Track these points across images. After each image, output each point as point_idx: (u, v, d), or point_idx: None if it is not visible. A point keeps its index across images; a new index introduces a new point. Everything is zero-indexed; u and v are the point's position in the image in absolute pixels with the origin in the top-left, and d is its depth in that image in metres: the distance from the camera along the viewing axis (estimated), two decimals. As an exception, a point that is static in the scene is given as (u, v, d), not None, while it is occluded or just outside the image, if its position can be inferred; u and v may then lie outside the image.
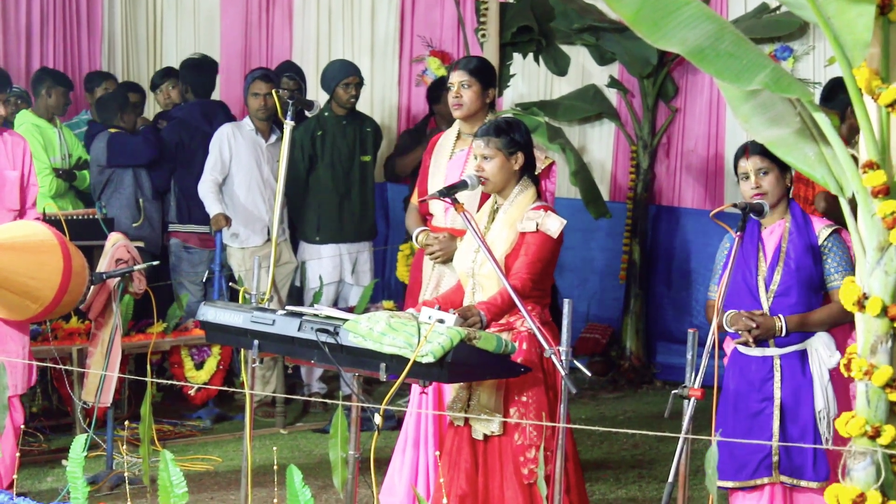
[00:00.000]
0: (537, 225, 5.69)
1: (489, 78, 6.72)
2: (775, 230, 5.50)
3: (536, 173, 6.13)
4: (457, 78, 6.68)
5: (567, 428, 5.34)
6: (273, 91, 8.75)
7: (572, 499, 5.75)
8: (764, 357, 5.46)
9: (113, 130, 9.43)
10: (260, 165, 9.16)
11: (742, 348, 5.50)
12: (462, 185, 5.83)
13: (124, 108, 9.66)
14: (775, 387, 5.44)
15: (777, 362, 5.44)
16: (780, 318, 5.37)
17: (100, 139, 9.45)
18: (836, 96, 7.80)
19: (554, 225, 5.70)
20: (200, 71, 10.10)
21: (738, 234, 5.31)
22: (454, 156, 6.76)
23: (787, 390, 5.42)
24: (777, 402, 5.43)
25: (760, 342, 5.43)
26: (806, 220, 5.44)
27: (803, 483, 5.39)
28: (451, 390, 5.86)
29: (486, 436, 5.75)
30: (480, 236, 5.61)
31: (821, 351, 5.33)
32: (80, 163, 9.79)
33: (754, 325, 5.36)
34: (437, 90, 9.75)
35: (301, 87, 9.88)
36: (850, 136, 7.48)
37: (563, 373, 5.18)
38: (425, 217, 6.88)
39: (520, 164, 5.83)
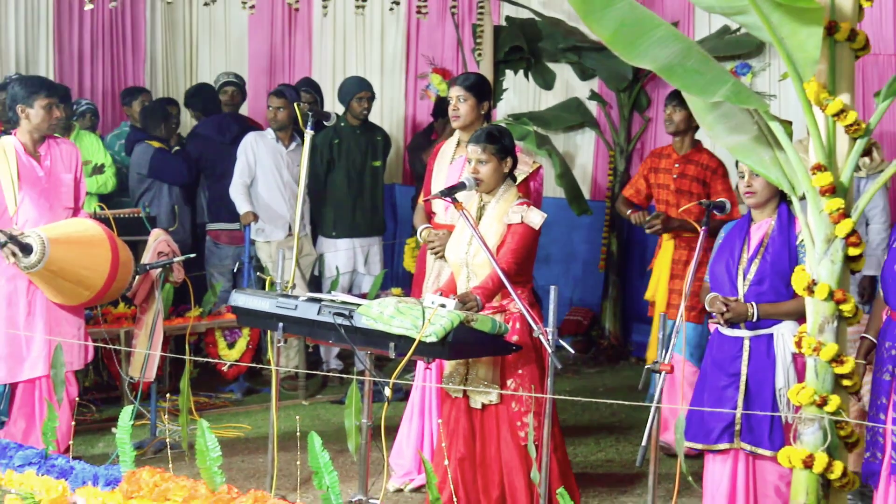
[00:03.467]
0: (522, 217, 5.75)
1: (484, 92, 6.75)
2: (762, 226, 5.50)
3: (525, 177, 6.16)
4: (455, 93, 6.71)
5: (553, 399, 5.37)
6: (295, 104, 8.77)
7: (559, 457, 5.79)
8: (735, 338, 5.47)
9: (156, 145, 9.47)
10: (280, 169, 9.17)
11: (721, 328, 5.52)
12: (461, 186, 5.86)
13: (166, 120, 9.74)
14: (742, 364, 5.45)
15: (746, 343, 5.44)
16: (752, 305, 5.37)
17: (143, 151, 9.49)
18: None
19: (536, 218, 5.75)
20: (198, 96, 10.19)
21: (704, 228, 5.32)
22: (454, 161, 6.80)
23: (753, 369, 5.43)
24: (743, 378, 5.44)
25: (733, 324, 5.44)
26: (790, 222, 5.42)
27: (760, 451, 5.40)
28: (449, 366, 5.89)
29: (483, 405, 5.77)
30: (477, 231, 5.65)
31: (786, 336, 5.33)
32: (96, 167, 9.76)
33: (725, 310, 5.37)
34: (438, 107, 9.82)
35: (316, 100, 9.89)
36: None
37: (549, 350, 5.21)
38: (430, 215, 6.90)
39: (509, 167, 5.87)
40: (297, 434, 5.56)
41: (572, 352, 5.52)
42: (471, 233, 5.72)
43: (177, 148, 9.69)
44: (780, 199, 5.44)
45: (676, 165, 7.70)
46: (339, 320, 5.56)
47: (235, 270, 9.36)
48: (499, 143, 5.83)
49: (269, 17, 12.31)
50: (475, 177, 5.85)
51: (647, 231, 7.71)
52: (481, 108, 6.71)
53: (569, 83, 10.84)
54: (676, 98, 7.69)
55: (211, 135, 9.64)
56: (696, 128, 7.33)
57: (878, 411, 5.43)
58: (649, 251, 10.61)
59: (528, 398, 5.66)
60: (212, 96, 10.19)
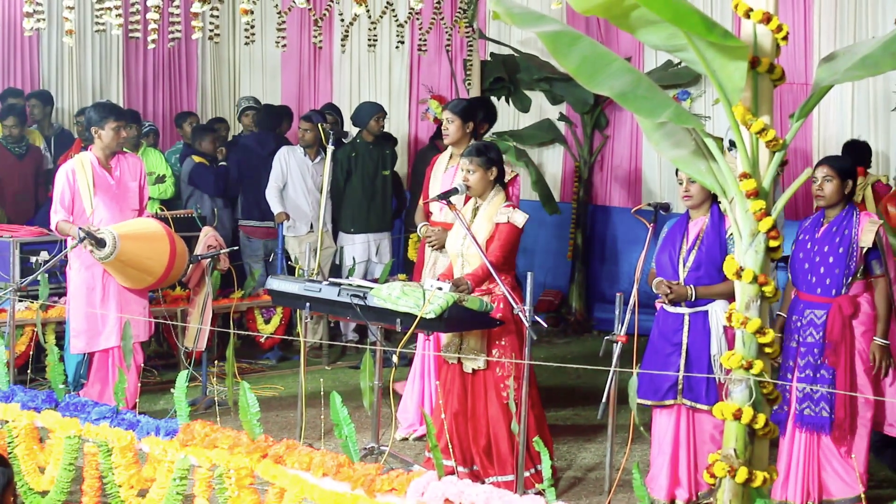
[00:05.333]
0: (508, 218, 5.74)
1: (468, 115, 6.77)
2: (698, 223, 5.51)
3: (505, 181, 6.16)
4: (445, 115, 6.77)
5: (530, 364, 5.37)
6: (319, 125, 8.80)
7: (536, 413, 5.79)
8: (677, 314, 5.48)
9: (197, 160, 9.50)
10: (306, 178, 9.17)
11: (665, 307, 5.53)
12: (454, 191, 5.87)
13: (212, 136, 9.75)
14: (683, 336, 5.46)
15: (686, 319, 5.45)
16: (691, 287, 5.38)
17: (187, 164, 9.60)
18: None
19: (519, 218, 5.76)
20: (269, 113, 10.11)
21: (652, 224, 5.32)
22: (448, 170, 6.82)
23: (692, 339, 5.44)
24: (684, 346, 5.46)
25: (675, 304, 5.45)
26: (721, 219, 5.43)
27: (698, 405, 5.42)
28: (445, 337, 5.89)
29: (473, 370, 5.77)
30: (468, 228, 5.66)
31: (719, 312, 5.34)
32: (158, 177, 9.75)
33: (669, 292, 5.38)
34: (439, 129, 9.83)
35: (337, 120, 9.88)
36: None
37: (527, 324, 5.21)
38: (427, 214, 6.91)
39: (494, 176, 5.87)
40: (321, 393, 5.55)
41: (545, 326, 5.53)
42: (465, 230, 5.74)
43: (222, 163, 9.66)
44: (712, 201, 5.45)
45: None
46: (356, 301, 5.56)
47: (270, 260, 9.37)
48: (484, 156, 5.84)
49: (297, 54, 12.31)
50: (466, 184, 5.87)
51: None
52: (466, 128, 6.74)
53: (542, 107, 10.84)
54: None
55: (252, 147, 9.62)
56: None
57: (785, 371, 5.50)
58: (608, 243, 10.64)
59: (509, 365, 5.66)
60: (277, 118, 10.13)
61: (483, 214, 5.86)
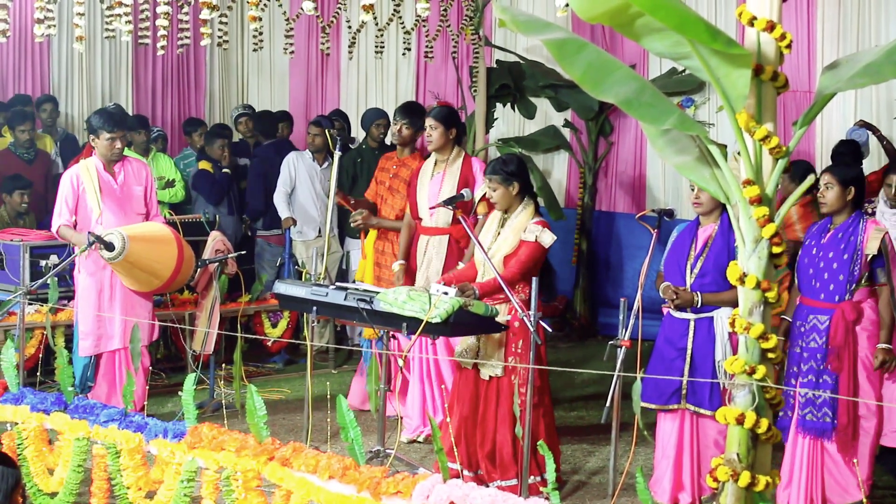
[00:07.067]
0: (536, 237, 5.71)
1: (450, 121, 6.78)
2: (707, 230, 5.51)
3: (535, 194, 6.14)
4: (428, 123, 6.77)
5: (545, 374, 5.37)
6: (327, 131, 8.80)
7: (547, 422, 5.77)
8: (683, 319, 5.48)
9: (201, 166, 9.52)
10: (314, 183, 9.19)
11: (672, 312, 5.53)
12: (459, 197, 5.88)
13: (220, 141, 9.71)
14: (688, 341, 5.46)
15: (692, 324, 5.45)
16: (697, 293, 5.38)
17: (195, 169, 9.62)
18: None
19: (548, 238, 5.72)
20: (261, 119, 10.15)
21: (656, 230, 5.32)
22: (434, 176, 6.83)
23: (697, 344, 5.44)
24: (689, 352, 5.45)
25: (681, 309, 5.45)
26: (730, 227, 5.42)
27: (702, 410, 5.42)
28: (462, 343, 5.89)
29: (489, 377, 5.76)
30: (478, 240, 5.67)
31: (724, 318, 5.34)
32: (168, 181, 9.75)
33: (675, 297, 5.38)
34: None
35: (344, 127, 9.88)
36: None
37: (531, 328, 5.22)
38: (416, 220, 6.91)
39: (517, 190, 5.82)
40: (328, 397, 5.55)
41: (550, 330, 5.53)
42: (491, 238, 5.76)
43: (225, 170, 9.62)
44: (723, 209, 5.45)
45: (394, 167, 7.50)
46: (362, 305, 5.57)
47: (279, 265, 9.38)
48: (502, 172, 5.80)
49: (305, 60, 12.32)
50: (492, 201, 5.85)
51: (352, 224, 7.40)
52: (450, 134, 6.75)
53: (547, 114, 10.84)
54: (407, 117, 7.37)
55: (270, 157, 9.63)
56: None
57: (790, 377, 5.50)
58: (612, 248, 10.63)
59: (525, 374, 5.64)
60: (274, 121, 10.15)
61: (510, 227, 5.82)
